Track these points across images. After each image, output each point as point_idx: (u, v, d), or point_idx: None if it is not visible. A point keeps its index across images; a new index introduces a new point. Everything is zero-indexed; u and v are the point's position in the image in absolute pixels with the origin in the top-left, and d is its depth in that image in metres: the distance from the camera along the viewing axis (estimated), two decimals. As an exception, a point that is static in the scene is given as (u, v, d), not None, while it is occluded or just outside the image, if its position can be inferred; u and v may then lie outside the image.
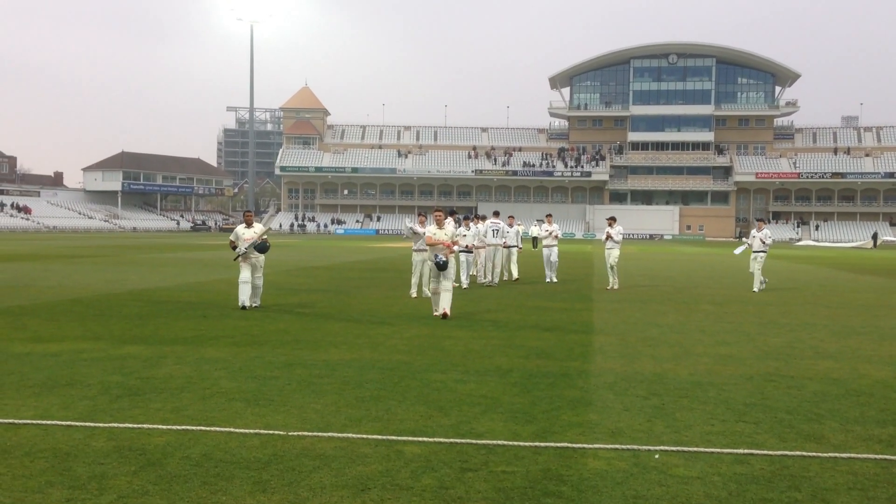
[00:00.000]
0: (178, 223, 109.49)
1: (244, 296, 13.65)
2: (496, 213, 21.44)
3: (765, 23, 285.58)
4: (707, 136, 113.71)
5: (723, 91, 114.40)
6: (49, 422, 5.96)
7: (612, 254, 19.67)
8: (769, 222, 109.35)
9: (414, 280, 16.97)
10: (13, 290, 16.84)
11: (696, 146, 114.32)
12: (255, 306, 13.84)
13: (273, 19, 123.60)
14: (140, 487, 4.54)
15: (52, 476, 4.71)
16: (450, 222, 12.02)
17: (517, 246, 21.47)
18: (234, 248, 13.99)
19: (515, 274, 21.47)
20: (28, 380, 7.50)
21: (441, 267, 12.75)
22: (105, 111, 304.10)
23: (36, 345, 9.56)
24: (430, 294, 17.49)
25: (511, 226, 21.25)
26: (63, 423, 5.94)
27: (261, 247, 13.97)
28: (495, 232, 20.42)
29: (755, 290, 19.50)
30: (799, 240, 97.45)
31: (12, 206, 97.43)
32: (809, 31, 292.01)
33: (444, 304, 12.72)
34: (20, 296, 15.51)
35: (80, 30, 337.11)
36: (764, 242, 20.07)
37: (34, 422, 5.95)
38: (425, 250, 18.00)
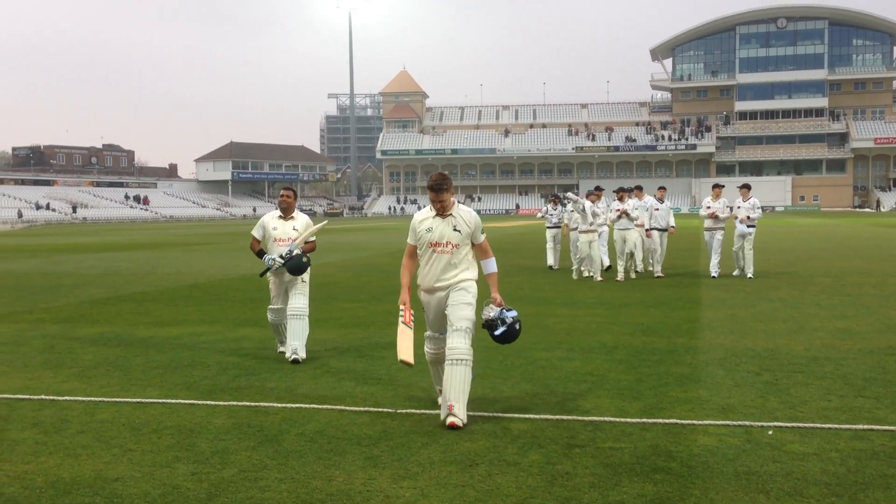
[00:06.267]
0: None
1: (281, 335, 8.16)
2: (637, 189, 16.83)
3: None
4: (820, 101, 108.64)
5: (836, 54, 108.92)
6: (173, 400, 6.29)
7: (629, 237, 15.41)
8: (890, 189, 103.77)
9: (575, 263, 16.07)
10: (136, 277, 17.75)
11: (808, 113, 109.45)
12: (295, 359, 7.72)
13: (370, 5, 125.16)
14: (259, 462, 4.75)
15: (178, 451, 4.98)
16: (425, 212, 5.94)
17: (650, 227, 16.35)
18: (260, 254, 8.15)
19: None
20: (153, 361, 7.93)
21: (497, 335, 5.85)
22: (213, 104, 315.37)
23: (159, 329, 10.07)
24: (588, 274, 15.55)
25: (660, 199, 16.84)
26: (186, 401, 6.26)
27: (294, 265, 7.88)
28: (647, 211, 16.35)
29: (749, 275, 15.45)
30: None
31: (134, 198, 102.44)
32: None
33: (452, 392, 5.48)
34: (143, 283, 16.34)
35: (186, 28, 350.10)
36: (750, 218, 15.56)
37: (160, 401, 6.29)
38: (591, 231, 15.40)
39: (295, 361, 7.74)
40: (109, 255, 26.59)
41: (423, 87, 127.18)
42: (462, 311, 5.70)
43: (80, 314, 11.61)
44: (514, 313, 5.84)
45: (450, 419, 5.43)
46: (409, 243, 6.04)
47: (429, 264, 5.88)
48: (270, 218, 8.22)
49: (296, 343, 7.84)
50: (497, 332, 5.76)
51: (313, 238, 8.33)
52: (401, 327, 5.89)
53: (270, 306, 8.25)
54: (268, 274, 8.18)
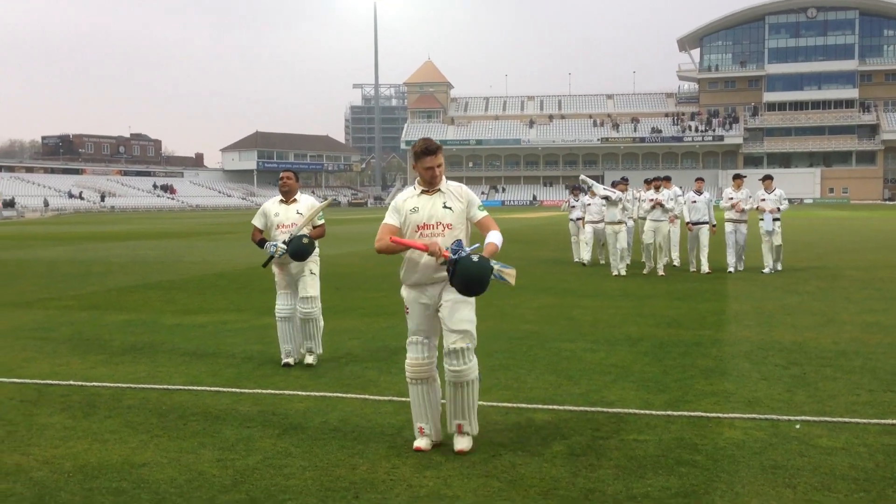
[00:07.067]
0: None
1: (287, 343, 7.24)
2: (665, 179, 15.76)
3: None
4: (851, 93, 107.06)
5: (867, 45, 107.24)
6: (199, 388, 6.35)
7: (661, 228, 14.85)
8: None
9: (611, 258, 15.19)
10: (163, 265, 17.92)
11: (838, 104, 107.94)
12: (311, 363, 7.22)
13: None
14: (283, 449, 4.78)
15: (203, 438, 5.02)
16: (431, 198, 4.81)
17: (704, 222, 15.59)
18: (261, 244, 7.43)
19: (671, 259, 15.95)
20: (179, 349, 8.00)
21: (452, 268, 4.54)
22: (239, 95, 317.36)
23: (185, 317, 10.16)
24: (617, 271, 14.64)
25: (699, 192, 15.87)
26: (212, 388, 6.31)
27: (294, 248, 7.10)
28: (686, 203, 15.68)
29: (766, 270, 14.95)
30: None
31: (161, 187, 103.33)
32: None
33: (460, 410, 4.76)
34: (169, 271, 16.49)
35: (211, 21, 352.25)
36: (778, 209, 14.97)
37: (186, 388, 6.35)
38: (619, 223, 14.96)
39: (311, 366, 7.19)
40: (137, 243, 26.86)
41: (447, 77, 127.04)
42: (461, 313, 4.71)
43: (108, 301, 11.74)
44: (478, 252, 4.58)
45: (459, 445, 4.68)
46: (388, 223, 4.81)
47: (417, 253, 4.73)
48: (272, 204, 7.47)
49: (310, 343, 7.28)
50: (452, 268, 4.51)
51: (321, 222, 7.48)
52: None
53: (277, 309, 7.36)
54: (272, 264, 7.42)
